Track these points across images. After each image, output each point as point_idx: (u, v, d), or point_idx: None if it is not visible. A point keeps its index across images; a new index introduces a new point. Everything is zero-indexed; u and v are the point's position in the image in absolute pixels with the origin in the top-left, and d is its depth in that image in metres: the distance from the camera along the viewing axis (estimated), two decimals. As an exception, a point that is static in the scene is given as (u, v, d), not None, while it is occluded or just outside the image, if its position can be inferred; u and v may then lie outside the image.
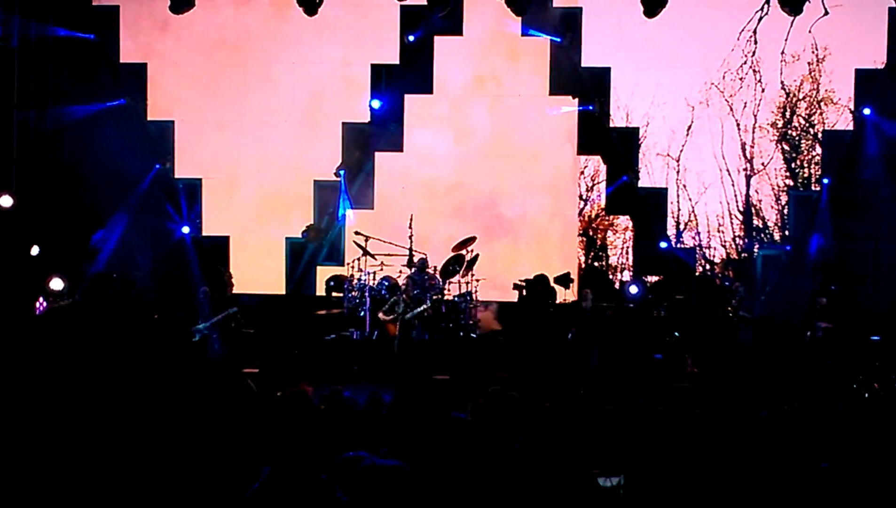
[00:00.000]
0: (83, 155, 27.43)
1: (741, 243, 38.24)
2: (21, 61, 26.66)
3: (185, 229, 28.09)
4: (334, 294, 27.38)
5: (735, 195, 38.51)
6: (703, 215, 38.83)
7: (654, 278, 28.47)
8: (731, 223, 38.65)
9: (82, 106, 27.43)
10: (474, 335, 26.07)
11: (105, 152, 27.77)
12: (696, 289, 27.75)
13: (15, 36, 26.40)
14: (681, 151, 38.09)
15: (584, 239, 38.65)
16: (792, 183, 38.01)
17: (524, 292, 26.48)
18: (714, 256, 38.77)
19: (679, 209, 38.30)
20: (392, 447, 11.06)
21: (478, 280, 26.92)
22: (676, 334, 26.02)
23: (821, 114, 37.82)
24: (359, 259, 26.86)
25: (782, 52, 32.98)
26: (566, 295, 27.38)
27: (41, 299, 24.24)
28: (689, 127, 37.57)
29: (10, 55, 26.43)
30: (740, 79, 35.64)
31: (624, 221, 37.53)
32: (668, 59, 31.70)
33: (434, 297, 25.16)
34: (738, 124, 37.82)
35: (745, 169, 38.49)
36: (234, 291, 25.80)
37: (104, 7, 29.20)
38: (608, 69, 29.07)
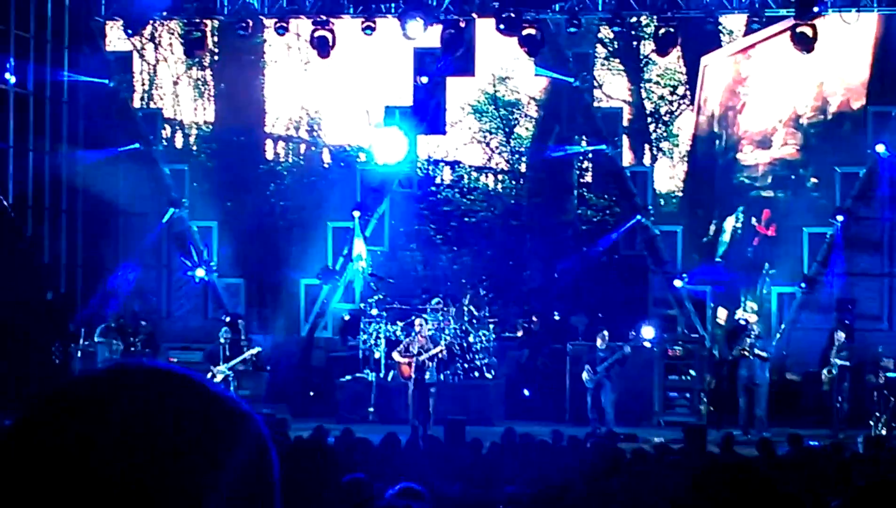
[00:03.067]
0: (98, 198, 27.54)
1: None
2: (36, 106, 26.81)
3: (200, 272, 28.12)
4: (348, 338, 27.41)
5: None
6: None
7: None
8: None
9: (97, 150, 27.54)
10: (489, 376, 26.01)
11: (119, 196, 27.92)
12: (712, 328, 27.69)
13: (30, 81, 26.56)
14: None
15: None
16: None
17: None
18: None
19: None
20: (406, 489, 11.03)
21: (492, 321, 26.88)
22: (692, 372, 25.95)
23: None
24: (373, 301, 26.85)
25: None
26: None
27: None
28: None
29: (26, 100, 26.58)
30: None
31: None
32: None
33: (448, 338, 25.12)
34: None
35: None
36: (251, 333, 25.83)
37: (118, 53, 29.39)
38: (620, 110, 29.09)
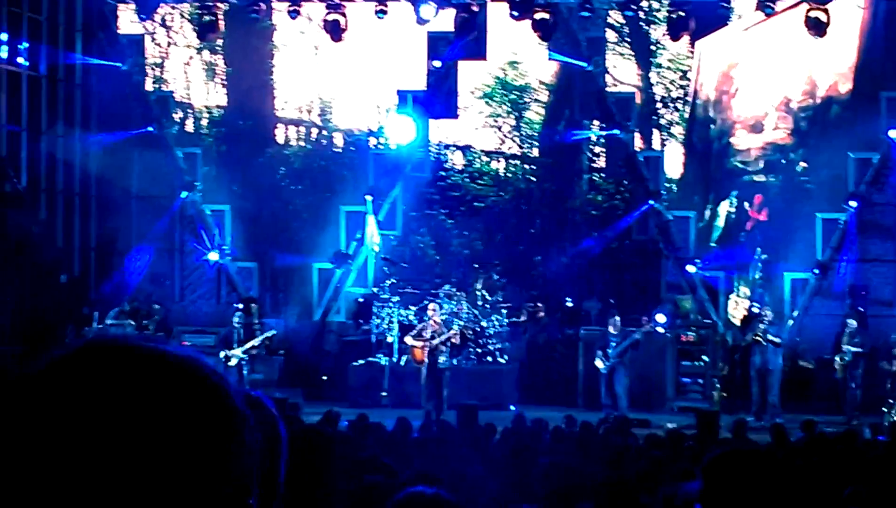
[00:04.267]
0: (111, 182, 27.58)
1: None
2: (49, 89, 26.83)
3: (214, 256, 28.12)
4: (361, 322, 27.41)
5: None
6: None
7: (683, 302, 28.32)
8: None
9: (110, 133, 27.54)
10: (503, 361, 26.02)
11: (132, 179, 27.96)
12: (724, 313, 27.68)
13: (43, 64, 26.56)
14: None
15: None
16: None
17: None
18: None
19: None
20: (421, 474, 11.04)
21: (508, 307, 26.88)
22: (705, 358, 25.94)
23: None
24: (386, 285, 26.85)
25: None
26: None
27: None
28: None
29: (38, 83, 26.59)
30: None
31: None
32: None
33: (461, 323, 25.11)
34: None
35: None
36: (264, 317, 25.85)
37: (131, 36, 29.38)
38: (632, 95, 28.98)
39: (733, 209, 32.59)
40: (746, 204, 32.04)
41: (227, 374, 1.70)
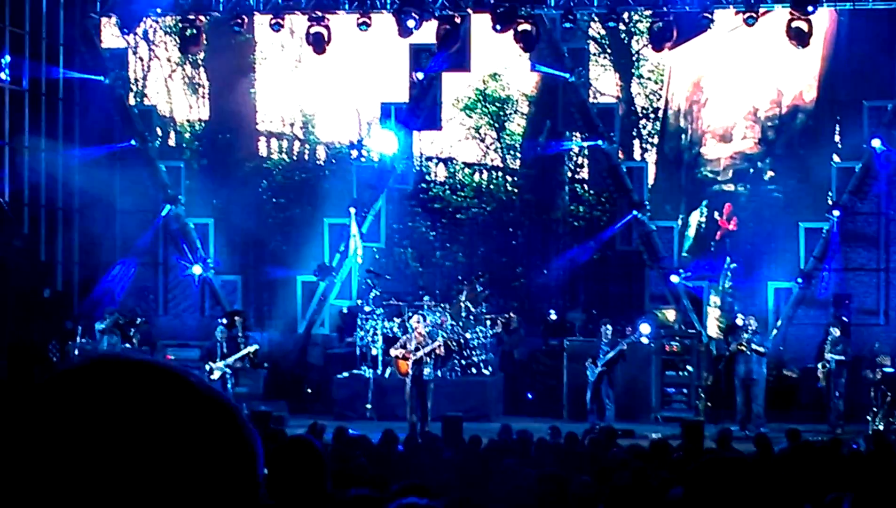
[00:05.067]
0: (94, 196, 27.53)
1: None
2: (31, 103, 26.78)
3: (197, 269, 28.10)
4: (346, 335, 27.39)
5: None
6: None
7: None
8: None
9: (93, 147, 27.51)
10: (487, 372, 26.01)
11: (115, 193, 27.92)
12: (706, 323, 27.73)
13: (25, 78, 26.52)
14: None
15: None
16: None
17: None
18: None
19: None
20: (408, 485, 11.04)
21: (490, 318, 26.86)
22: (689, 368, 25.95)
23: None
24: (370, 297, 26.82)
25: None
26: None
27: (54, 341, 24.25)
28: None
29: (21, 97, 26.55)
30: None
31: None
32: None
33: (445, 335, 25.07)
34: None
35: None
36: (248, 330, 25.79)
37: (114, 50, 29.38)
38: (615, 106, 29.02)
39: (703, 219, 32.74)
40: (716, 213, 32.19)
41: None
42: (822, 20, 30.07)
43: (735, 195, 32.62)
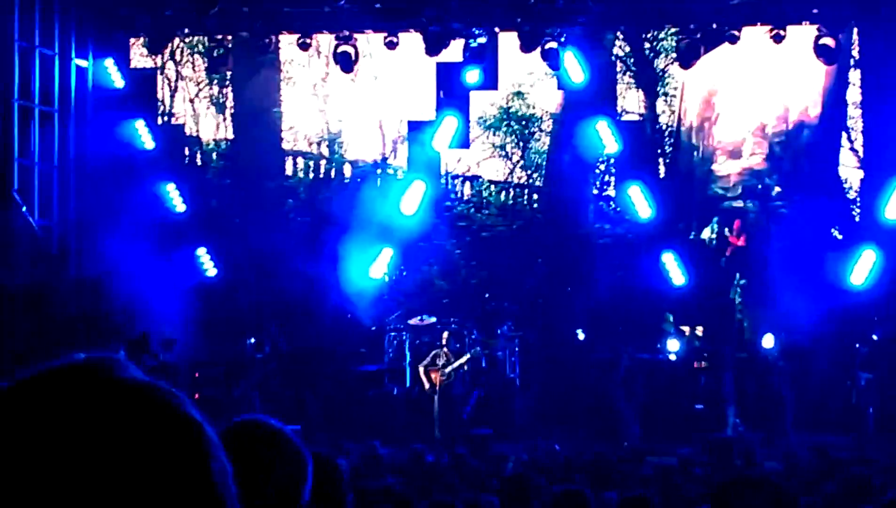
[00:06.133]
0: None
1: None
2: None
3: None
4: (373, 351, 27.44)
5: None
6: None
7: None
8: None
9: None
10: (514, 389, 26.06)
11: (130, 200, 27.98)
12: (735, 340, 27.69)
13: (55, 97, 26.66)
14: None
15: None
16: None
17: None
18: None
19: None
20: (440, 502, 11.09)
21: (516, 335, 26.91)
22: (718, 384, 25.89)
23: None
24: (397, 315, 26.91)
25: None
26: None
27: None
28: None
29: (50, 116, 26.67)
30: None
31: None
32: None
33: (474, 352, 25.14)
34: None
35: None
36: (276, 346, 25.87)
37: (142, 70, 29.53)
38: (642, 123, 29.00)
39: (714, 236, 32.71)
40: (726, 230, 32.18)
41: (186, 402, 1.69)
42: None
43: (744, 211, 32.65)
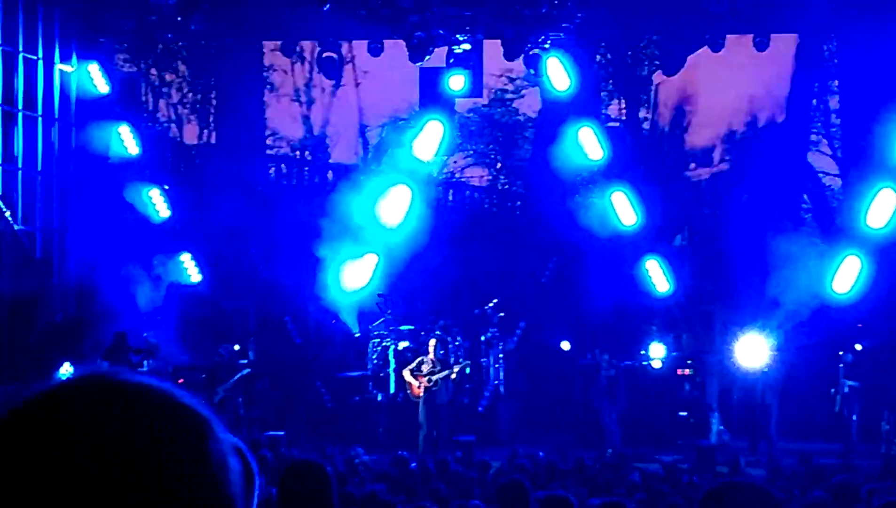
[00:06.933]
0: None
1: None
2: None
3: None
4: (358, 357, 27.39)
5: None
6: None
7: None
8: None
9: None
10: (499, 396, 26.04)
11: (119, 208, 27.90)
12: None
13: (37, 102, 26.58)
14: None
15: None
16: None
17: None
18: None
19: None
20: None
21: (500, 342, 26.88)
22: (701, 389, 25.91)
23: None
24: (382, 320, 26.84)
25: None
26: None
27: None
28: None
29: (34, 121, 26.59)
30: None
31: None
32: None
33: (459, 359, 25.13)
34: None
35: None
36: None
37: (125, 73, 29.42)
38: (623, 129, 28.94)
39: (686, 243, 32.78)
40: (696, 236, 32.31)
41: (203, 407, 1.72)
42: (790, 43, 30.32)
43: (715, 217, 32.74)
